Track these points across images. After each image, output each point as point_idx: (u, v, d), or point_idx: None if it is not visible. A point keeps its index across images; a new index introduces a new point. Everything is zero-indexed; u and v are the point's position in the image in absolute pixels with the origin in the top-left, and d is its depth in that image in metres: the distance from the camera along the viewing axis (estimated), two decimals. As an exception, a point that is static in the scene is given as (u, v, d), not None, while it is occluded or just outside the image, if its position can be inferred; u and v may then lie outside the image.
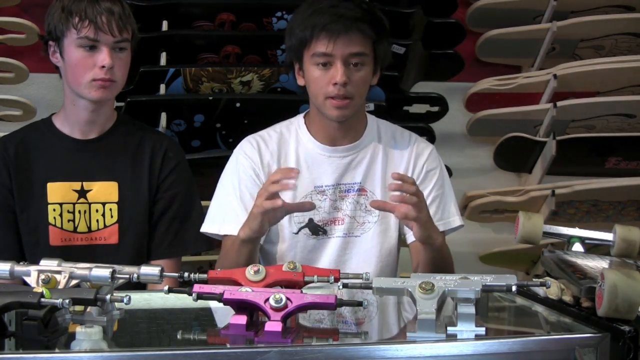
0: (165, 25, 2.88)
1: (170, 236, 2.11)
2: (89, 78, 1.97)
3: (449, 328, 1.36)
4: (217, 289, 1.40)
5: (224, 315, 1.47)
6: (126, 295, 1.36)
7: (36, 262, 1.49)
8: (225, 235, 2.01)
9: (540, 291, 1.64)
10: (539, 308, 1.62)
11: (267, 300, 1.35)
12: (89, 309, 1.39)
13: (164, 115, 2.73)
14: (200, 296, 1.41)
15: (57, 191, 2.04)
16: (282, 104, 2.81)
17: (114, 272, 1.44)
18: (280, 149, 2.07)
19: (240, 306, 1.38)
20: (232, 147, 2.14)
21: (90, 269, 1.44)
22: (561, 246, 1.91)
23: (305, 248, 2.04)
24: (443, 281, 1.38)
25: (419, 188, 2.04)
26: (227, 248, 1.97)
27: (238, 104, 2.77)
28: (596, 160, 3.20)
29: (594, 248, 1.91)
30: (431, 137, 2.94)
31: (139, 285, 1.78)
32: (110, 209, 2.06)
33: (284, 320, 1.34)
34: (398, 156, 2.08)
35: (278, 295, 1.35)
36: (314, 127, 2.07)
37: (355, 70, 1.95)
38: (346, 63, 1.93)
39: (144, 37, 2.52)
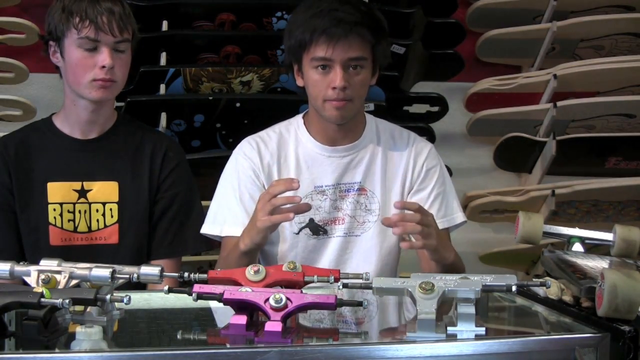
0: (165, 25, 2.88)
1: (170, 236, 2.11)
2: (89, 78, 1.97)
3: (449, 328, 1.36)
4: (217, 289, 1.40)
5: (224, 315, 1.48)
6: (126, 295, 1.36)
7: (36, 262, 1.49)
8: (225, 237, 2.01)
9: (540, 291, 1.64)
10: (539, 308, 1.62)
11: (267, 300, 1.35)
12: (89, 309, 1.39)
13: (164, 115, 2.73)
14: (200, 296, 1.41)
15: (58, 191, 2.04)
16: (282, 104, 2.81)
17: (114, 272, 1.44)
18: (279, 150, 2.07)
19: (240, 306, 1.38)
20: (232, 147, 2.14)
21: (90, 269, 1.44)
22: (561, 246, 1.91)
23: (306, 248, 2.04)
24: (443, 281, 1.38)
25: (420, 187, 2.05)
26: (227, 252, 1.96)
27: (238, 104, 2.77)
28: (596, 160, 3.20)
29: (594, 248, 1.91)
30: (431, 137, 2.94)
31: (139, 285, 1.78)
32: (111, 209, 2.06)
33: (284, 320, 1.34)
34: (397, 156, 2.09)
35: (278, 295, 1.35)
36: (314, 127, 2.07)
37: (354, 74, 1.94)
38: (345, 67, 1.93)
39: (144, 37, 2.52)
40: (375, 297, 1.63)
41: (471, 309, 1.36)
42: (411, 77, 3.12)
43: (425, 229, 1.76)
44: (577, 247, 1.87)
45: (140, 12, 2.73)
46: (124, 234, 2.06)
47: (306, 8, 1.97)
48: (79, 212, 2.04)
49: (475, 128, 3.24)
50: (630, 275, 1.37)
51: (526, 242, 1.88)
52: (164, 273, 1.51)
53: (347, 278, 1.57)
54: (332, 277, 1.54)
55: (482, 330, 1.35)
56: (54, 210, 2.03)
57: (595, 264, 1.67)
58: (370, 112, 2.19)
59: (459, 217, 2.10)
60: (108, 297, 1.35)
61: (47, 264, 1.48)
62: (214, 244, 2.12)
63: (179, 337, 1.42)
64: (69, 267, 1.46)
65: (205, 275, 1.52)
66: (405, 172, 2.07)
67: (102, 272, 1.43)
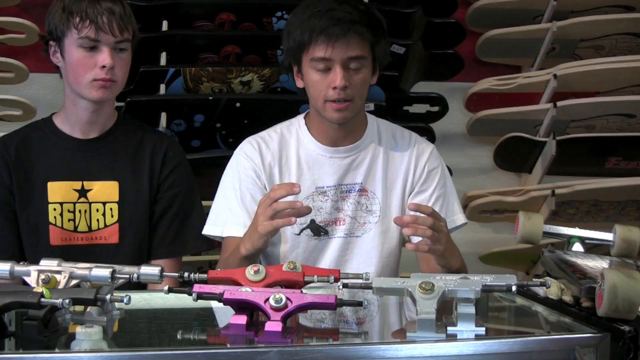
0: (165, 25, 2.88)
1: (170, 236, 2.11)
2: (89, 78, 1.97)
3: (449, 328, 1.36)
4: (217, 289, 1.40)
5: (224, 315, 1.48)
6: (126, 295, 1.36)
7: (36, 262, 1.49)
8: (226, 238, 2.01)
9: (540, 291, 1.64)
10: (539, 308, 1.62)
11: (267, 300, 1.35)
12: (89, 309, 1.39)
13: (164, 115, 2.73)
14: (200, 296, 1.41)
15: (58, 191, 2.04)
16: (282, 104, 2.81)
17: (114, 272, 1.44)
18: (281, 150, 2.06)
19: (240, 306, 1.38)
20: (232, 147, 2.15)
21: (90, 269, 1.44)
22: (561, 246, 1.92)
23: (307, 249, 2.04)
24: (443, 281, 1.38)
25: (422, 189, 2.05)
26: (228, 254, 1.96)
27: (238, 104, 2.77)
28: (596, 160, 3.20)
29: (594, 248, 1.91)
30: (431, 137, 2.94)
31: (139, 285, 1.78)
32: (111, 209, 2.06)
33: (284, 320, 1.34)
34: (399, 157, 2.09)
35: (278, 295, 1.35)
36: (315, 128, 2.07)
37: (354, 73, 1.94)
38: (345, 66, 1.93)
39: (144, 37, 2.52)
40: (376, 297, 1.63)
41: (471, 309, 1.36)
42: (411, 77, 3.12)
43: (435, 234, 1.75)
44: (577, 247, 1.87)
45: (140, 12, 2.73)
46: (124, 233, 2.06)
47: (304, 9, 1.97)
48: (79, 211, 2.04)
49: (475, 128, 3.24)
50: (630, 275, 1.37)
51: (526, 242, 1.88)
52: (164, 273, 1.51)
53: (347, 278, 1.57)
54: (332, 277, 1.54)
55: (482, 330, 1.35)
56: (54, 209, 2.03)
57: (595, 264, 1.67)
58: (370, 112, 2.18)
59: (460, 218, 2.10)
60: (108, 297, 1.35)
61: (47, 263, 1.48)
62: (214, 243, 2.12)
63: (179, 337, 1.42)
64: (69, 267, 1.46)
65: (205, 275, 1.52)
66: (407, 173, 2.07)
67: (102, 272, 1.43)
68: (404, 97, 3.03)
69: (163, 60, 2.84)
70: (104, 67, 1.96)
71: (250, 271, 1.51)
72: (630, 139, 3.18)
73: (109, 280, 1.43)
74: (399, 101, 3.01)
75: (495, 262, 3.18)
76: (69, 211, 2.04)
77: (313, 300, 1.38)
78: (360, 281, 1.54)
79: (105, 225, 2.06)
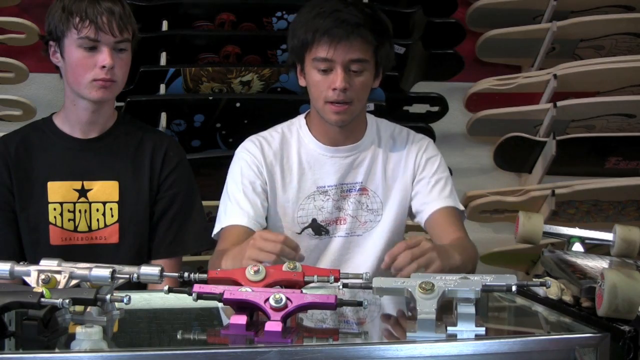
0: (165, 25, 2.88)
1: (170, 236, 2.11)
2: (89, 78, 1.97)
3: (449, 328, 1.36)
4: (217, 289, 1.40)
5: (224, 316, 1.47)
6: (126, 295, 1.36)
7: (36, 262, 1.49)
8: (227, 227, 1.99)
9: (540, 291, 1.64)
10: (539, 308, 1.62)
11: (267, 300, 1.35)
12: (89, 309, 1.39)
13: (164, 115, 2.73)
14: (200, 296, 1.41)
15: (58, 190, 2.04)
16: (282, 104, 2.81)
17: (114, 272, 1.44)
18: (282, 150, 2.07)
19: (240, 306, 1.38)
20: (232, 147, 2.15)
21: (90, 269, 1.44)
22: (561, 246, 1.92)
23: (308, 248, 2.04)
24: (443, 281, 1.38)
25: (422, 175, 2.05)
26: (223, 247, 1.93)
27: (238, 104, 2.77)
28: (596, 160, 3.20)
29: (594, 248, 1.91)
30: (431, 137, 2.92)
31: (139, 285, 1.78)
32: (111, 209, 2.06)
33: (284, 320, 1.34)
34: (397, 155, 2.10)
35: (278, 295, 1.35)
36: (316, 128, 2.07)
37: (355, 76, 1.94)
38: (346, 69, 1.93)
39: (144, 37, 2.52)
40: (377, 297, 1.63)
41: (471, 309, 1.36)
42: (411, 77, 3.12)
43: (422, 260, 1.67)
44: (577, 247, 1.87)
45: (140, 12, 2.73)
46: (124, 233, 2.06)
47: (310, 8, 1.97)
48: (79, 211, 2.04)
49: (475, 128, 3.24)
50: (630, 275, 1.37)
51: (526, 242, 1.88)
52: (164, 273, 1.51)
53: (347, 278, 1.58)
54: (332, 277, 1.54)
55: (482, 330, 1.35)
56: (54, 209, 2.03)
57: (595, 264, 1.67)
58: (370, 112, 2.19)
59: (461, 206, 2.09)
60: (108, 297, 1.35)
61: (47, 263, 1.48)
62: (214, 243, 2.11)
63: (179, 337, 1.42)
64: (69, 267, 1.45)
65: (205, 275, 1.52)
66: (406, 169, 2.08)
67: (102, 272, 1.43)
68: (404, 97, 3.03)
69: (163, 60, 2.84)
70: (104, 67, 1.96)
71: (250, 271, 1.51)
72: (630, 139, 3.18)
73: (109, 280, 1.43)
74: (399, 101, 3.01)
75: (495, 262, 3.18)
76: (69, 211, 2.04)
77: (313, 300, 1.38)
78: (360, 281, 1.54)
79: (105, 225, 2.06)
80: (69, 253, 1.75)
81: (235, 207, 2.00)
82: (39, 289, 1.29)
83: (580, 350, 1.34)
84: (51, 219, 2.03)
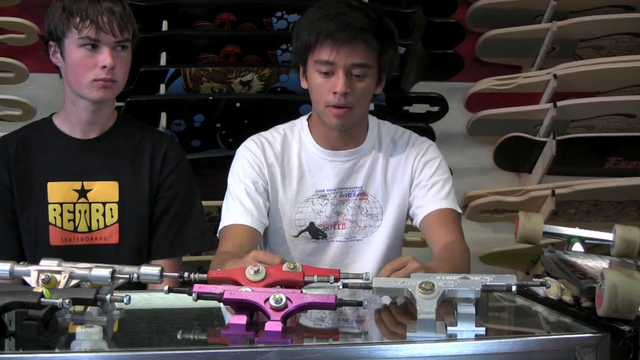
0: (165, 25, 2.88)
1: (170, 236, 2.10)
2: (90, 78, 1.97)
3: (449, 328, 1.36)
4: (217, 289, 1.40)
5: (224, 315, 1.47)
6: (126, 295, 1.36)
7: (36, 262, 1.49)
8: (228, 225, 1.98)
9: (540, 291, 1.64)
10: (539, 308, 1.62)
11: (267, 300, 1.35)
12: (89, 309, 1.39)
13: (164, 115, 2.73)
14: (200, 296, 1.41)
15: (58, 191, 2.04)
16: (282, 104, 2.81)
17: (114, 272, 1.44)
18: (283, 151, 2.06)
19: (240, 306, 1.38)
20: (232, 147, 2.15)
21: (90, 269, 1.44)
22: (561, 246, 1.92)
23: (304, 251, 2.04)
24: (443, 281, 1.38)
25: (420, 177, 2.04)
26: (225, 248, 1.94)
27: (238, 104, 2.77)
28: (596, 160, 3.20)
29: (594, 248, 1.91)
30: (431, 137, 2.92)
31: (139, 285, 1.78)
32: (111, 209, 2.06)
33: (284, 320, 1.34)
34: (398, 160, 2.07)
35: (278, 295, 1.35)
36: (317, 131, 2.06)
37: (357, 81, 1.92)
38: (348, 73, 1.91)
39: (144, 37, 2.52)
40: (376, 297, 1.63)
41: (471, 309, 1.36)
42: (411, 77, 3.12)
43: (403, 272, 1.63)
44: (577, 247, 1.87)
45: (140, 12, 2.73)
46: (124, 233, 2.06)
47: (315, 10, 1.96)
48: (79, 212, 2.04)
49: (475, 128, 3.24)
50: (630, 275, 1.37)
51: (526, 242, 1.88)
52: (164, 273, 1.51)
53: (347, 278, 1.57)
54: (332, 277, 1.54)
55: (482, 330, 1.35)
56: (54, 210, 2.03)
57: (595, 264, 1.67)
58: (370, 112, 2.18)
59: (457, 207, 2.07)
60: (108, 297, 1.35)
61: (47, 264, 1.48)
62: (214, 243, 2.12)
63: (179, 337, 1.42)
64: (69, 267, 1.46)
65: (205, 275, 1.52)
66: (404, 173, 2.06)
67: (102, 272, 1.43)
68: (404, 97, 3.03)
69: (163, 60, 2.84)
70: (104, 67, 1.95)
71: (250, 271, 1.51)
72: (630, 139, 3.18)
73: (109, 280, 1.43)
74: (399, 101, 3.01)
75: (495, 262, 3.18)
76: (68, 211, 2.04)
77: (313, 300, 1.38)
78: (360, 281, 1.54)
79: (105, 226, 2.06)
80: (69, 253, 1.75)
81: (238, 206, 1.99)
82: (39, 289, 1.29)
83: (580, 350, 1.34)
84: (51, 219, 2.03)
